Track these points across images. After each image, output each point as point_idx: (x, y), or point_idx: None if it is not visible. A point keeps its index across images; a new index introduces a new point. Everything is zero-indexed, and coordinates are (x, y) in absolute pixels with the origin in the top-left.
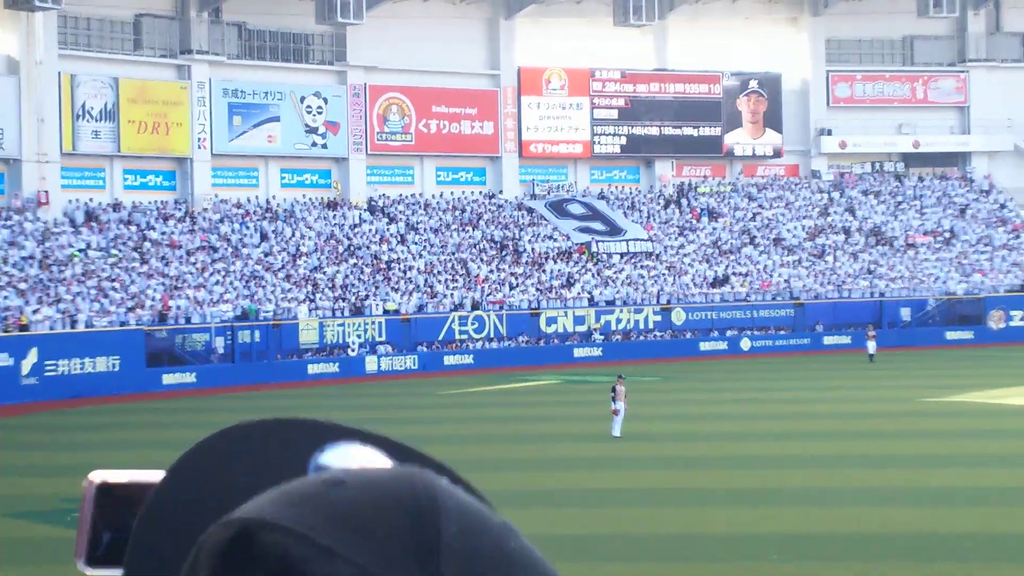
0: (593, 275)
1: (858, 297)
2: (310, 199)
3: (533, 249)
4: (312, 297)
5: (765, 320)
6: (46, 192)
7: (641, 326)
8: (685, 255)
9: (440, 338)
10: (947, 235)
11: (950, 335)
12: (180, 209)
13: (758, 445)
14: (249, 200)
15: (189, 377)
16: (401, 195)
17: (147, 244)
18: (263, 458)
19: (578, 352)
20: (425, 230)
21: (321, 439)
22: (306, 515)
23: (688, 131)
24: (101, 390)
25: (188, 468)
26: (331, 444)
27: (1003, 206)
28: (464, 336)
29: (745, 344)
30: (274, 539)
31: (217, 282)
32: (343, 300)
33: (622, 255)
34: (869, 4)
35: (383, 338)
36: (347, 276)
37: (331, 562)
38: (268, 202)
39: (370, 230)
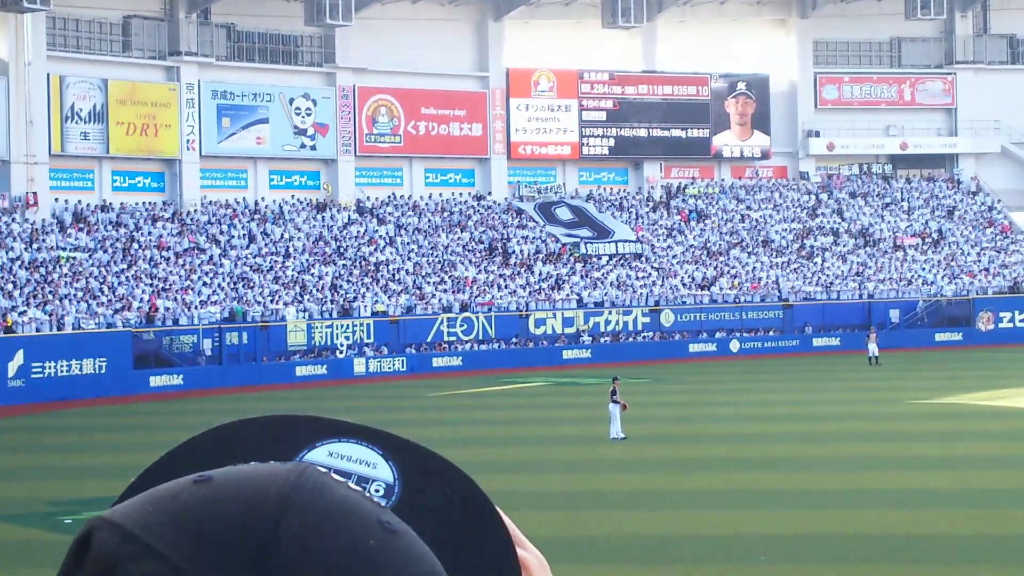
0: (581, 277)
1: (847, 299)
2: (299, 200)
3: (522, 251)
4: (300, 299)
5: (754, 322)
6: (34, 194)
7: (630, 328)
8: (673, 257)
9: (428, 340)
10: (935, 237)
11: (939, 336)
12: (168, 211)
13: (747, 447)
14: (238, 201)
15: (176, 379)
16: (390, 196)
17: (135, 246)
18: (252, 457)
19: (567, 354)
20: (414, 232)
21: (313, 436)
22: (151, 513)
23: (676, 133)
24: (88, 392)
25: (164, 468)
26: (323, 441)
27: (991, 208)
28: (453, 338)
29: (734, 346)
30: (105, 537)
31: (205, 284)
32: (331, 302)
33: (610, 257)
34: (857, 6)
35: (371, 340)
36: (335, 278)
37: (145, 561)
38: (257, 203)
39: (359, 231)
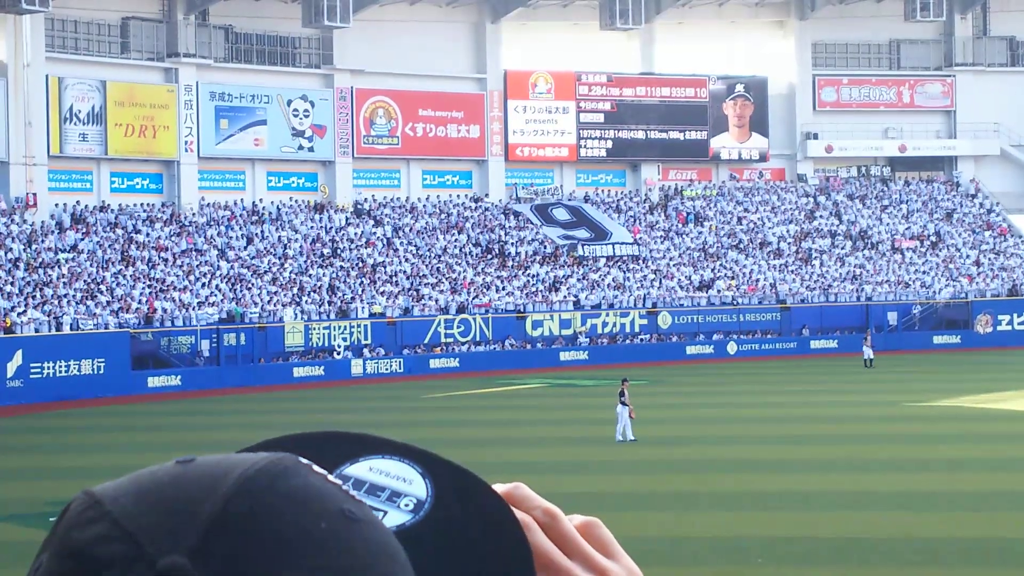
0: (579, 278)
1: (845, 301)
2: (296, 202)
3: (519, 252)
4: (298, 300)
5: (751, 324)
6: (33, 195)
7: (627, 329)
8: (671, 259)
9: (426, 341)
10: (933, 239)
11: (937, 339)
12: (167, 212)
13: (743, 449)
14: (236, 203)
15: (174, 380)
16: (387, 198)
17: (134, 247)
18: None
19: (564, 356)
20: (411, 233)
21: (356, 451)
22: (124, 487)
23: (674, 135)
24: (86, 393)
25: None
26: (366, 456)
27: (990, 210)
28: (450, 339)
29: (731, 348)
30: (76, 504)
31: (203, 285)
32: (329, 303)
33: (608, 258)
34: (855, 8)
35: (369, 341)
36: (333, 279)
37: (100, 525)
38: (254, 205)
39: (356, 233)
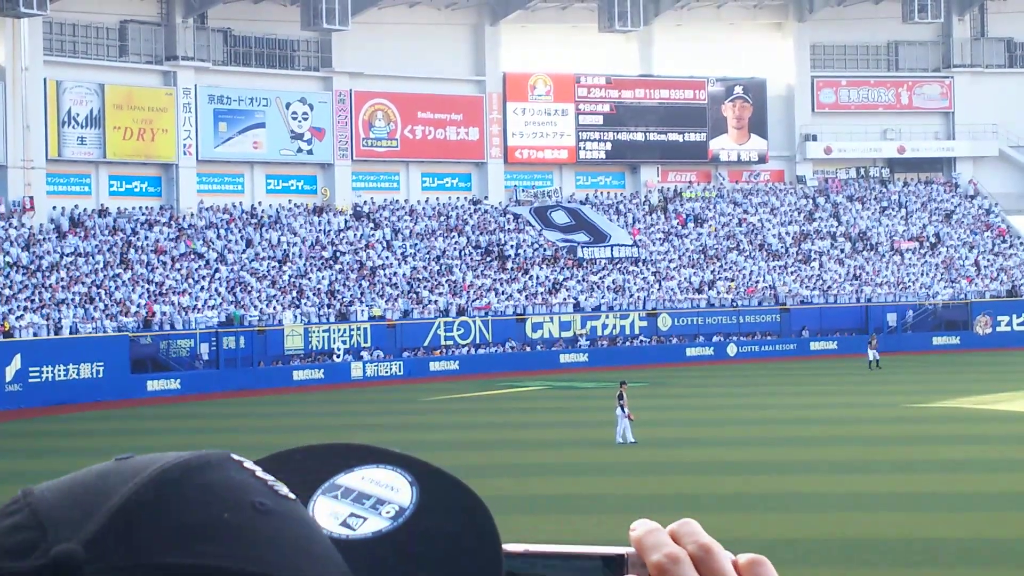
0: (579, 281)
1: (844, 302)
2: (296, 205)
3: (518, 255)
4: (297, 303)
5: (751, 326)
6: (31, 198)
7: (627, 332)
8: (671, 261)
9: (425, 344)
10: (932, 240)
11: (936, 340)
12: (165, 215)
13: (743, 450)
14: (235, 206)
15: (174, 383)
16: (386, 201)
17: (132, 250)
18: (295, 474)
19: (564, 358)
20: (410, 236)
21: (353, 461)
22: (60, 483)
23: (673, 137)
24: (85, 397)
25: None
26: (362, 465)
27: (988, 211)
28: (450, 342)
29: (731, 350)
30: (12, 498)
31: (202, 288)
32: (328, 306)
33: (607, 261)
34: (854, 10)
35: (368, 344)
36: (332, 282)
37: (19, 515)
38: (253, 208)
39: (355, 236)
